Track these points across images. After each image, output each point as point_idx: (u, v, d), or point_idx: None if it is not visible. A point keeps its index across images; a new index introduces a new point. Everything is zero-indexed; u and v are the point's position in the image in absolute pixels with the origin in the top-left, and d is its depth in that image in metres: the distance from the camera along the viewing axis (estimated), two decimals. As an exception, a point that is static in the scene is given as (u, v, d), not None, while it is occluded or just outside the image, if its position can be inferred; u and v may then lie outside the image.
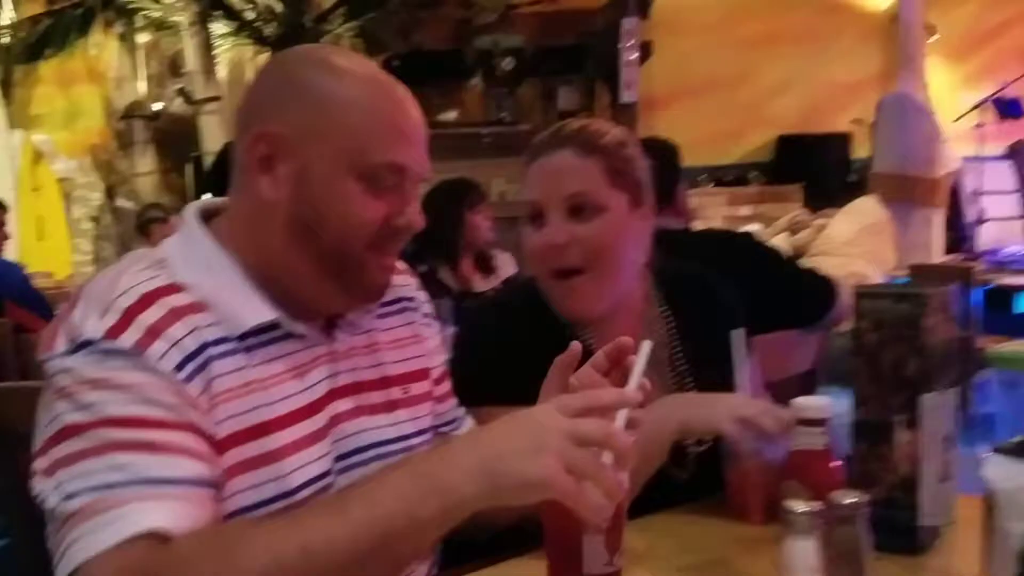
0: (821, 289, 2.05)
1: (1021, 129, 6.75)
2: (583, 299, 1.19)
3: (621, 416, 0.76)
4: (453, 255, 3.14)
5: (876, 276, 5.91)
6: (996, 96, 6.21)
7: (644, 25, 6.75)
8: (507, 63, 6.85)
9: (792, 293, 2.02)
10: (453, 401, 1.10)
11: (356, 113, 0.86)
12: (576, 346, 0.93)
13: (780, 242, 6.86)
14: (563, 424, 0.71)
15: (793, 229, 6.97)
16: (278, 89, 0.89)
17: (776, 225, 7.22)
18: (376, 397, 0.95)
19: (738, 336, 1.15)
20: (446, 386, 1.08)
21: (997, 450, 0.73)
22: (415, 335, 1.03)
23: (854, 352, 1.04)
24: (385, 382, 0.97)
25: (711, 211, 7.81)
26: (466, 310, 2.53)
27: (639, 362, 0.84)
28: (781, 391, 1.36)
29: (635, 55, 6.65)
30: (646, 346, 0.86)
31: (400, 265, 1.02)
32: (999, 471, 0.71)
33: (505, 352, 1.18)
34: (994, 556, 0.73)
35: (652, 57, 7.06)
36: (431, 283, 2.86)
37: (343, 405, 0.92)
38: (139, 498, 0.73)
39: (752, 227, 7.50)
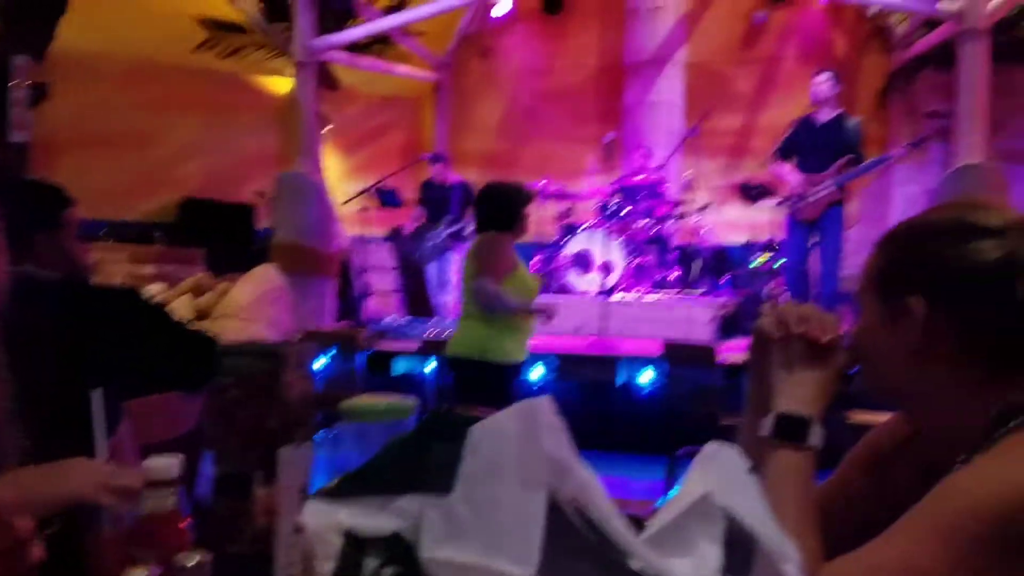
0: (207, 351, 2.06)
1: (398, 216, 7.80)
2: None
3: None
4: None
5: (274, 339, 6.22)
6: (378, 186, 7.08)
7: (40, 67, 6.13)
8: None
9: (177, 354, 1.99)
10: None
11: None
12: None
13: (183, 304, 6.77)
14: None
15: (196, 291, 6.95)
16: None
17: (180, 287, 7.10)
18: None
19: (97, 397, 1.09)
20: None
21: (315, 494, 0.80)
22: None
23: (217, 410, 1.07)
24: None
25: (112, 268, 7.39)
26: None
27: None
28: (164, 453, 1.32)
29: (25, 95, 5.98)
30: None
31: None
32: (314, 514, 0.78)
33: None
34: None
35: (52, 101, 6.43)
36: None
37: None
38: None
39: (155, 287, 7.27)
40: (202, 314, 6.55)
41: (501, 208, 3.44)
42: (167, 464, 0.99)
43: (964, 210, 0.92)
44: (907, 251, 0.93)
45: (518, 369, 3.51)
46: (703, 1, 8.89)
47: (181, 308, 6.58)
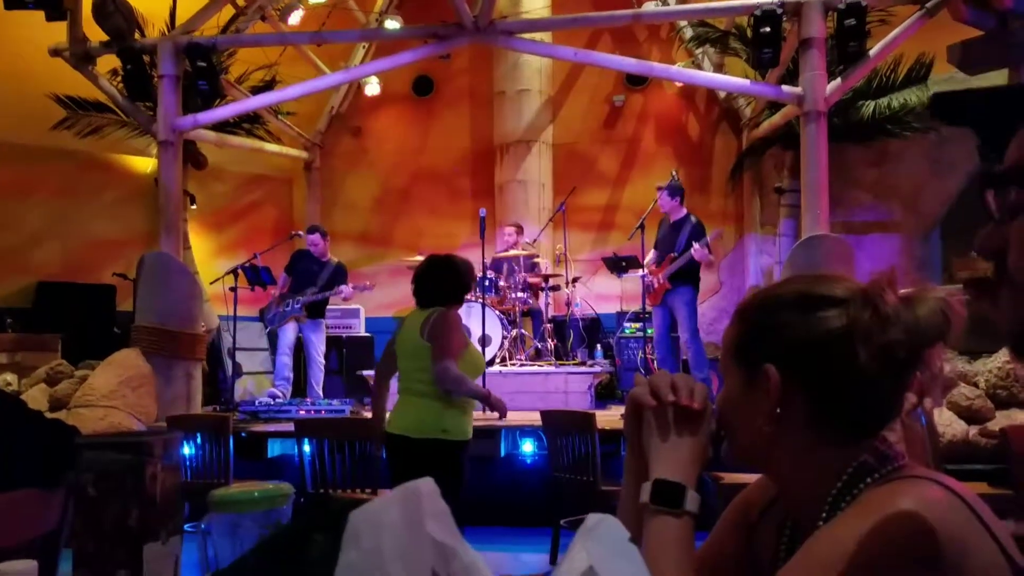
0: (65, 443, 1.94)
1: (270, 295, 7.59)
2: None
3: None
4: None
5: (138, 427, 5.88)
6: (248, 264, 6.90)
7: None
8: None
9: (33, 447, 1.86)
10: None
11: None
12: None
13: (38, 393, 6.34)
14: None
15: (52, 379, 6.53)
16: None
17: (35, 375, 6.67)
18: None
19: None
20: None
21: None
22: None
23: (77, 506, 1.01)
24: None
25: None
26: None
27: None
28: (20, 554, 1.22)
29: None
30: None
31: None
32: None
33: None
34: None
35: None
36: None
37: None
38: None
39: (8, 377, 6.77)
40: (59, 403, 6.14)
41: (447, 281, 3.34)
42: (23, 569, 0.92)
43: (809, 282, 0.99)
44: (759, 321, 0.99)
45: (468, 446, 3.39)
46: (566, 85, 9.32)
47: (36, 397, 6.16)
